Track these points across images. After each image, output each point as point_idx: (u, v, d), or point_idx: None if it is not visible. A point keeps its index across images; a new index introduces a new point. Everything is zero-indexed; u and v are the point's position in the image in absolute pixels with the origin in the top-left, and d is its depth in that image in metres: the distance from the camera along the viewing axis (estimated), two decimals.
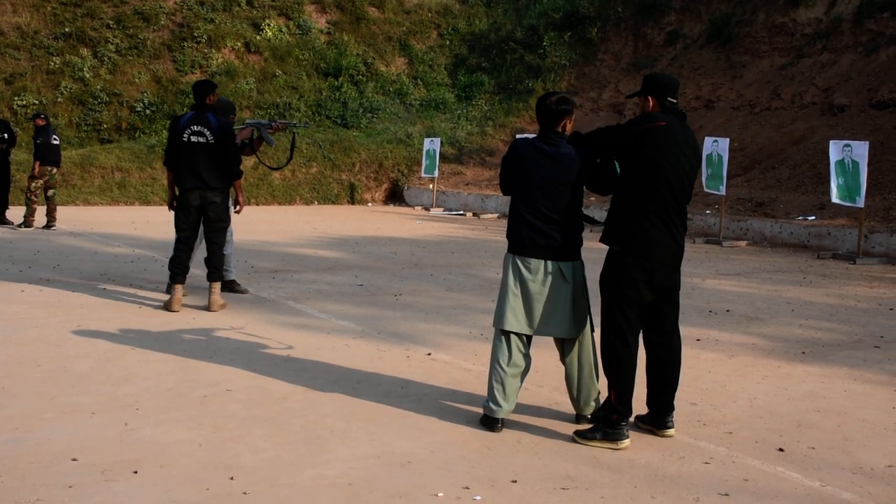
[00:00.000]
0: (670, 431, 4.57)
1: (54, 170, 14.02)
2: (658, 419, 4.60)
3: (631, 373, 4.42)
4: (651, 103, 4.48)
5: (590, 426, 4.48)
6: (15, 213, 14.94)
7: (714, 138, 15.46)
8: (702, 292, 9.43)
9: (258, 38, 24.55)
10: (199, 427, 4.47)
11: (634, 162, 4.38)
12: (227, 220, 7.70)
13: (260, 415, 4.70)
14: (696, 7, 23.23)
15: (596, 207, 16.19)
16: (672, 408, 4.60)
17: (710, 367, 6.12)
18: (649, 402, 4.64)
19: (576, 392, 4.70)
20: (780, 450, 4.41)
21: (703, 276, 10.73)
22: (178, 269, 7.53)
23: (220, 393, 5.08)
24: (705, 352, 6.59)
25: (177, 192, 7.58)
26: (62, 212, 15.56)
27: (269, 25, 24.87)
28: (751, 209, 15.95)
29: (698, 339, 6.96)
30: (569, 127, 4.64)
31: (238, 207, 7.87)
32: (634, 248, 4.36)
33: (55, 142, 14.01)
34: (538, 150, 4.57)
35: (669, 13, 23.66)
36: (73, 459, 3.93)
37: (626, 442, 4.34)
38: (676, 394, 4.63)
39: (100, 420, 4.52)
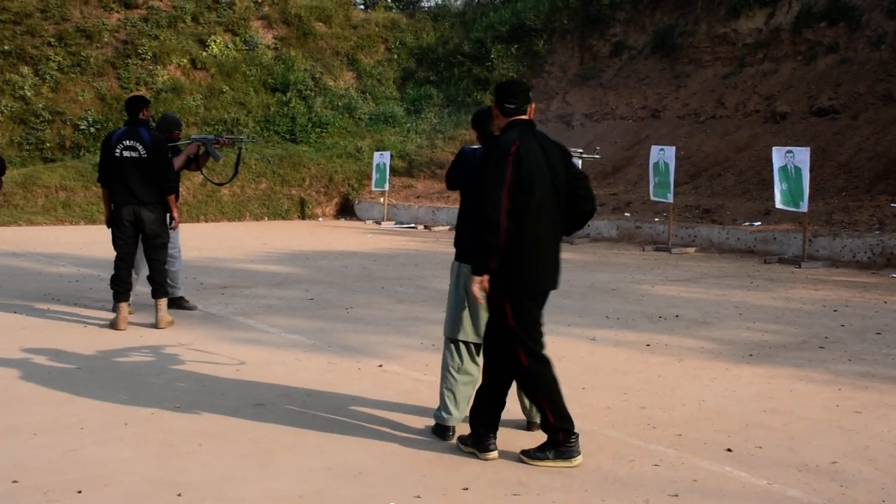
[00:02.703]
0: (493, 454, 4.28)
1: None
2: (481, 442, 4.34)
3: (555, 386, 4.25)
4: (495, 112, 4.38)
5: (538, 445, 4.25)
6: None
7: (660, 147, 15.67)
8: (651, 298, 9.53)
9: (204, 54, 24.31)
10: (145, 444, 4.39)
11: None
12: (166, 236, 7.59)
13: (209, 430, 4.63)
14: (641, 19, 23.57)
15: None
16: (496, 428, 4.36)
17: (659, 371, 6.18)
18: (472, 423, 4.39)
19: (527, 400, 4.71)
20: (729, 450, 4.46)
21: (653, 282, 10.84)
22: (119, 287, 7.40)
23: (168, 409, 4.99)
24: (654, 356, 6.65)
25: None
26: (3, 233, 15.22)
27: (215, 41, 24.65)
28: (698, 216, 16.18)
29: (648, 345, 7.02)
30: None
31: (173, 223, 7.75)
32: (518, 275, 4.18)
33: None
34: None
35: (614, 25, 23.96)
36: (14, 482, 3.83)
37: (579, 458, 4.17)
38: (627, 396, 4.65)
39: (42, 441, 4.41)
